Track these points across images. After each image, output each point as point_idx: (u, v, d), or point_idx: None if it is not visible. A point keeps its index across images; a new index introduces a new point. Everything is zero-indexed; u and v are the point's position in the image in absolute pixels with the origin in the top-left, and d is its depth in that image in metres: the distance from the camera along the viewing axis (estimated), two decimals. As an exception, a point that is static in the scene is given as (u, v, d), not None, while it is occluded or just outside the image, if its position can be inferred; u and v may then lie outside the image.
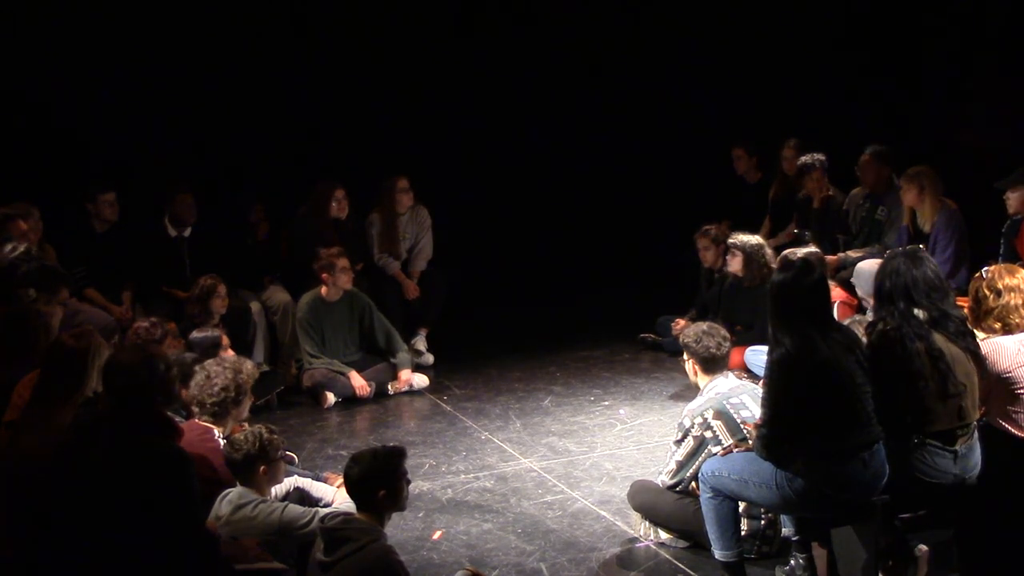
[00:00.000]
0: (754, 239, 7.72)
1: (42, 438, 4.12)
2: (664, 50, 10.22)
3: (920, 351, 4.36)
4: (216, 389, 4.90)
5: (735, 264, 7.60)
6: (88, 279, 7.60)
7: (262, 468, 4.55)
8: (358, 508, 4.09)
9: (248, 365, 5.11)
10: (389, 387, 7.66)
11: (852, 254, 7.86)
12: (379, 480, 4.03)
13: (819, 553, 4.69)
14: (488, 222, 10.04)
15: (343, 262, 7.57)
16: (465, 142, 9.96)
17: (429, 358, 8.41)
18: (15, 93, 8.38)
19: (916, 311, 4.42)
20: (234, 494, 4.53)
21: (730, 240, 7.68)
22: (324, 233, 8.16)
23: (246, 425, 5.00)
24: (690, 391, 5.52)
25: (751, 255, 7.51)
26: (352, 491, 4.09)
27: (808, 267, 4.41)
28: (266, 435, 4.56)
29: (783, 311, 4.33)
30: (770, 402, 4.29)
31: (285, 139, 9.24)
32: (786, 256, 5.89)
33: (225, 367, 4.98)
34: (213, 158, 8.87)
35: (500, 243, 10.01)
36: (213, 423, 4.91)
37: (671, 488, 5.13)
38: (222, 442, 4.84)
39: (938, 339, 4.40)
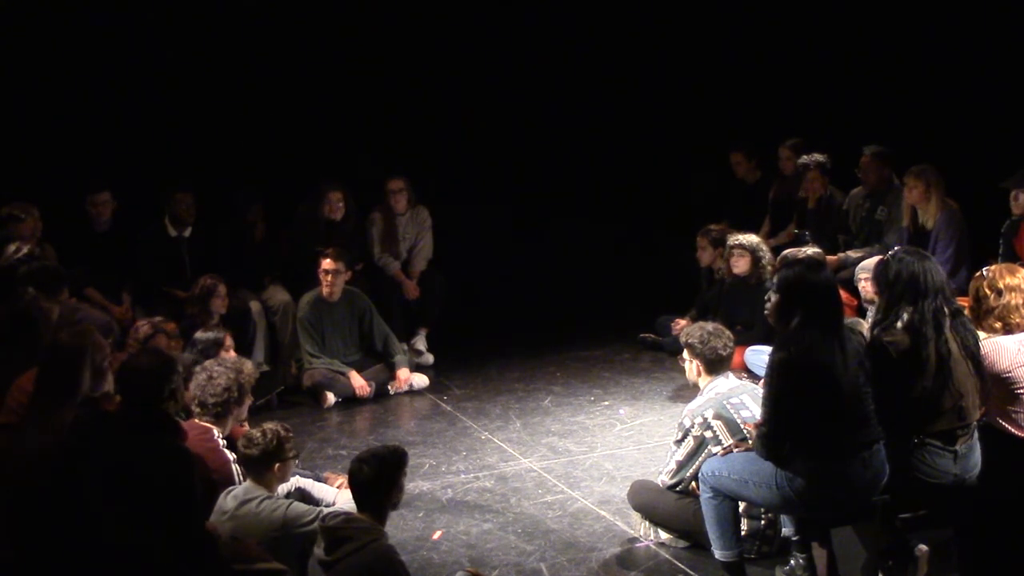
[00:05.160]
0: (754, 238, 7.74)
1: (42, 438, 4.11)
2: (663, 50, 10.22)
3: (931, 350, 4.36)
4: (219, 389, 4.90)
5: (742, 264, 7.60)
6: (88, 279, 7.60)
7: (276, 465, 4.57)
8: (360, 508, 4.10)
9: (248, 365, 5.12)
10: (390, 387, 7.66)
11: (852, 254, 7.86)
12: (391, 481, 4.12)
13: (819, 553, 4.69)
14: (488, 222, 10.04)
15: (326, 263, 7.54)
16: (465, 142, 9.97)
17: (429, 358, 8.40)
18: (15, 93, 8.39)
19: (930, 309, 4.42)
20: (240, 490, 4.55)
21: (735, 241, 7.67)
22: (319, 233, 8.16)
23: (246, 425, 5.01)
24: (690, 391, 5.52)
25: (756, 253, 7.54)
26: (362, 492, 4.11)
27: (818, 265, 4.41)
28: (283, 432, 4.60)
29: (787, 309, 4.33)
30: (770, 402, 4.29)
31: (285, 139, 9.24)
32: (787, 256, 5.90)
33: (226, 367, 4.99)
34: (213, 158, 8.87)
35: (500, 243, 10.00)
36: (213, 423, 4.91)
37: (671, 488, 5.13)
38: (221, 442, 4.86)
39: (948, 338, 4.40)
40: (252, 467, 4.59)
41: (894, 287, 4.50)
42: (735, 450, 4.77)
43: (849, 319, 5.86)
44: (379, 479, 4.09)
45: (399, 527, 5.34)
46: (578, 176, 10.48)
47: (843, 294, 7.30)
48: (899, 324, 4.42)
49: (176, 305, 7.54)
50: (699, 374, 5.16)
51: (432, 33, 9.78)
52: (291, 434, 4.68)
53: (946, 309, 4.45)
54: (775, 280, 4.46)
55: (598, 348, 8.59)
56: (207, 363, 5.12)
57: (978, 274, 4.90)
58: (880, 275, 4.61)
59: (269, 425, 4.64)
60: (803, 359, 4.20)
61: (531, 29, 10.08)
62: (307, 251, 8.00)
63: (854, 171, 8.18)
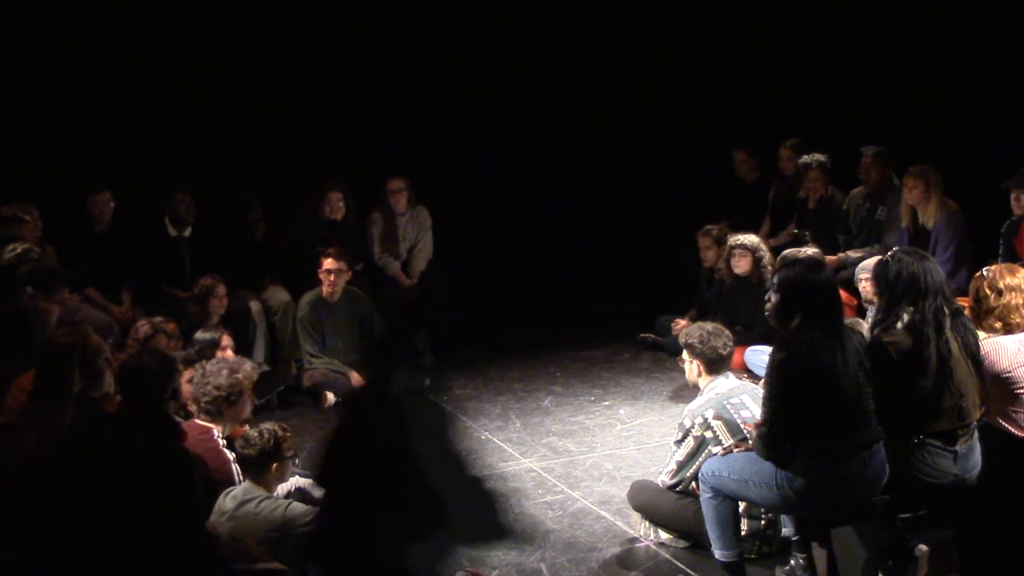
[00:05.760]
0: (754, 238, 7.74)
1: (40, 438, 4.11)
2: (663, 49, 10.22)
3: (932, 350, 4.36)
4: (209, 388, 4.90)
5: (744, 264, 7.60)
6: (88, 279, 7.60)
7: (274, 465, 4.58)
8: None
9: (246, 366, 5.10)
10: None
11: (852, 254, 7.86)
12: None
13: (819, 553, 4.69)
14: (488, 222, 10.04)
15: (328, 263, 7.54)
16: (465, 142, 9.97)
17: (429, 358, 8.40)
18: (15, 93, 8.39)
19: (931, 309, 4.42)
20: (239, 490, 4.55)
21: (735, 241, 7.66)
22: (320, 233, 8.17)
23: (247, 426, 5.01)
24: (690, 391, 5.52)
25: (756, 253, 7.55)
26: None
27: (817, 265, 4.42)
28: (280, 432, 4.61)
29: (786, 309, 4.33)
30: (771, 402, 4.29)
31: (285, 139, 9.24)
32: (786, 256, 5.89)
33: (220, 367, 4.99)
34: (213, 158, 8.87)
35: (500, 243, 10.01)
36: (210, 422, 4.91)
37: (671, 488, 5.13)
38: (222, 442, 4.86)
39: (949, 338, 4.41)
40: (250, 467, 4.59)
41: (894, 287, 4.49)
42: (735, 450, 4.77)
43: (849, 319, 5.85)
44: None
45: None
46: (578, 176, 10.48)
47: (843, 294, 7.31)
48: (899, 324, 4.42)
49: (176, 305, 7.55)
50: (699, 374, 5.16)
51: (431, 32, 9.78)
52: (289, 434, 4.69)
53: (946, 309, 4.45)
54: (775, 280, 4.46)
55: (598, 348, 8.59)
56: (204, 362, 5.13)
57: (978, 274, 4.90)
58: (880, 275, 4.61)
59: (267, 425, 4.65)
60: (803, 359, 4.20)
61: (530, 26, 10.08)
62: (307, 251, 8.01)
63: (855, 171, 8.17)
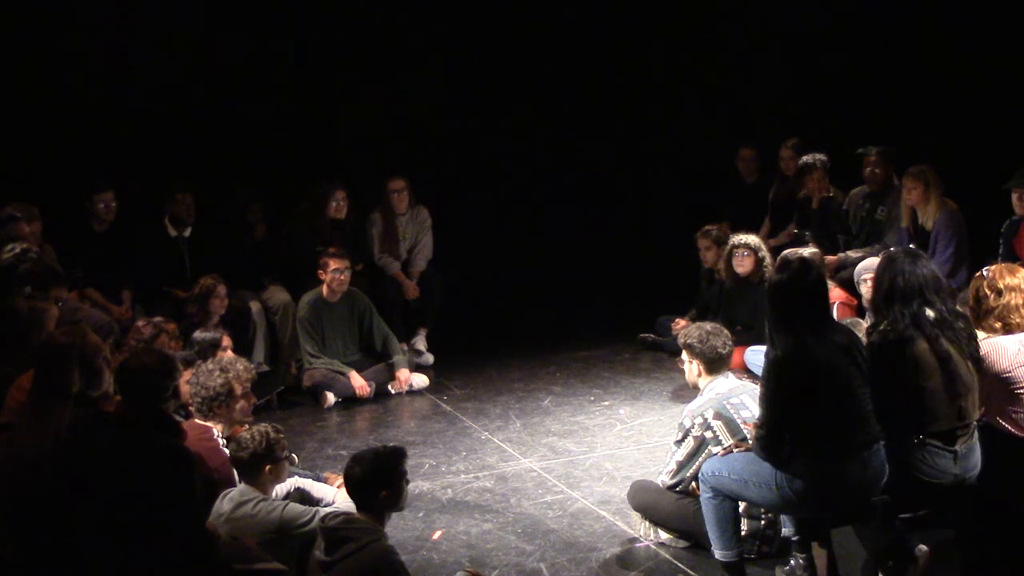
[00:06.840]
0: (755, 238, 7.74)
1: (39, 437, 4.11)
2: (663, 49, 10.22)
3: (927, 352, 4.37)
4: (199, 388, 4.90)
5: (747, 264, 7.59)
6: (88, 279, 7.60)
7: (268, 467, 4.57)
8: (358, 508, 4.10)
9: (239, 366, 5.07)
10: (390, 387, 7.66)
11: (852, 254, 7.86)
12: (381, 481, 4.06)
13: (819, 553, 4.69)
14: (488, 222, 10.04)
15: (335, 263, 7.55)
16: (466, 142, 9.97)
17: (429, 358, 8.40)
18: (15, 92, 8.39)
19: (910, 310, 4.43)
20: (236, 492, 4.54)
21: (738, 241, 7.66)
22: (322, 232, 8.17)
23: (247, 426, 5.00)
24: (690, 391, 5.52)
25: (759, 253, 7.56)
26: (354, 491, 4.11)
27: (806, 267, 4.41)
28: (272, 434, 4.59)
29: (780, 311, 4.33)
30: (767, 403, 4.29)
31: (285, 139, 9.24)
32: (785, 256, 5.90)
33: (212, 368, 4.98)
34: (213, 158, 8.87)
35: (500, 243, 10.01)
36: (208, 422, 4.91)
37: (671, 488, 5.13)
38: (221, 441, 4.85)
39: (944, 339, 4.41)
40: (244, 470, 4.58)
41: (879, 289, 4.55)
42: (735, 450, 4.77)
43: (849, 319, 5.88)
44: (369, 478, 4.05)
45: (399, 527, 5.34)
46: (578, 175, 10.48)
47: (843, 294, 7.36)
48: (887, 325, 4.45)
49: (176, 305, 7.55)
50: (699, 374, 5.15)
51: (431, 31, 9.78)
52: (282, 435, 4.65)
53: (928, 311, 4.44)
54: (768, 284, 4.49)
55: (598, 348, 8.59)
56: (200, 362, 5.14)
57: (978, 274, 4.90)
58: (878, 277, 4.66)
59: (258, 427, 4.63)
60: (796, 360, 4.20)
61: (531, 23, 10.07)
62: (308, 251, 8.01)
63: (860, 171, 8.15)
